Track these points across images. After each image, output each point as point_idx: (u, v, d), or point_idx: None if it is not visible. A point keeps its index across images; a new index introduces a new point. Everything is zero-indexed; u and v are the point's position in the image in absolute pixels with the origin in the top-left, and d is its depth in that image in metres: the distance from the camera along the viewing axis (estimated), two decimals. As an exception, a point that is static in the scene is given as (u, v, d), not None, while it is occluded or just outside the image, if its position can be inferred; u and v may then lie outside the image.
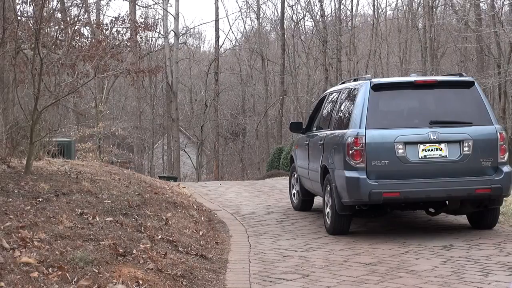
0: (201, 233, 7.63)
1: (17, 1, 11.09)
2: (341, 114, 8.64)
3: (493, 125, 7.89)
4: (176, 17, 32.23)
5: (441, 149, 7.70)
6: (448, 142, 7.71)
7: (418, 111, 8.08)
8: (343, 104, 8.73)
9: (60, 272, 4.67)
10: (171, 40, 32.79)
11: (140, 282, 4.90)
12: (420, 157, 7.67)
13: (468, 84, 8.21)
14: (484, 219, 8.34)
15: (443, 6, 31.71)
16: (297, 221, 9.30)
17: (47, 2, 10.03)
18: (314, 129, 9.88)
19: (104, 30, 19.64)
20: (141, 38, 24.31)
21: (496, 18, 25.95)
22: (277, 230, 8.61)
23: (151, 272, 5.23)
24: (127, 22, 22.10)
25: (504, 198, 8.50)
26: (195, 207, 9.59)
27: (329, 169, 8.29)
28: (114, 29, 19.94)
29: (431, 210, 8.54)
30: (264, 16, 41.60)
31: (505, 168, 7.81)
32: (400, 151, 7.62)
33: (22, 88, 10.48)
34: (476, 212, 8.36)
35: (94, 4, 29.94)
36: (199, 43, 52.29)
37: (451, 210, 8.43)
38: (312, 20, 35.58)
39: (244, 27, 60.10)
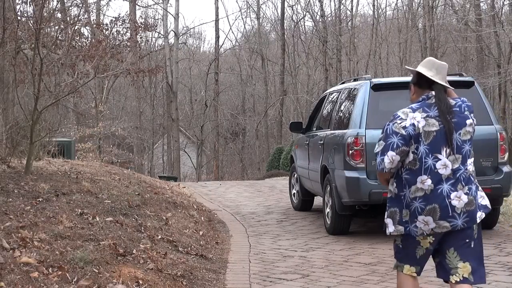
0: (201, 233, 7.63)
1: (17, 1, 11.10)
2: (341, 114, 8.64)
3: (493, 125, 7.89)
4: (176, 17, 32.24)
5: (441, 149, 7.70)
6: (448, 142, 7.70)
7: (418, 111, 8.07)
8: (343, 104, 8.73)
9: (60, 272, 4.67)
10: (171, 40, 32.79)
11: (140, 282, 4.90)
12: (420, 157, 7.66)
13: (468, 84, 8.20)
14: (484, 219, 8.33)
15: (443, 6, 31.73)
16: (297, 221, 9.30)
17: (47, 2, 10.04)
18: (314, 129, 9.88)
19: (104, 30, 19.68)
20: (141, 38, 24.37)
21: (496, 18, 25.97)
22: (277, 230, 8.61)
23: (151, 272, 5.23)
24: (127, 22, 22.15)
25: (504, 198, 8.50)
26: (195, 207, 9.59)
27: (329, 169, 8.29)
28: (114, 29, 20.00)
29: (431, 210, 8.53)
30: (264, 16, 41.68)
31: (505, 168, 7.81)
32: (400, 151, 7.61)
33: (22, 88, 10.48)
34: (476, 212, 8.35)
35: (94, 4, 29.95)
36: (199, 43, 52.39)
37: (451, 210, 8.42)
38: (312, 20, 35.62)
39: (244, 27, 60.23)
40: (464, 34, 27.57)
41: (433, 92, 3.97)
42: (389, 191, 4.04)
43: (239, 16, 67.51)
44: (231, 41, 62.20)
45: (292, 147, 13.75)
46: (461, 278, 3.92)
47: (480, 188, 4.06)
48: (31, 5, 11.14)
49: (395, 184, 4.00)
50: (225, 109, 39.37)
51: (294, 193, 10.67)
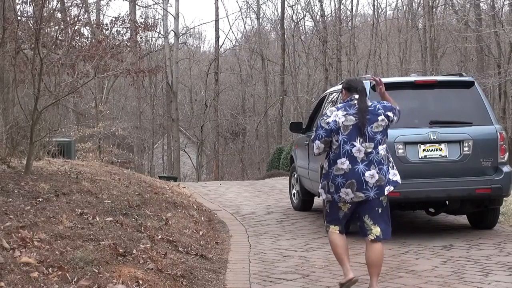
0: (201, 233, 7.63)
1: (17, 1, 11.09)
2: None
3: (493, 125, 7.89)
4: (176, 17, 32.22)
5: (441, 149, 7.70)
6: (448, 142, 7.71)
7: (418, 111, 8.07)
8: (343, 104, 8.73)
9: (60, 272, 4.66)
10: (171, 40, 32.77)
11: (140, 282, 4.90)
12: (420, 157, 7.67)
13: (468, 84, 8.20)
14: (484, 219, 8.34)
15: (443, 6, 31.71)
16: (297, 221, 9.30)
17: (47, 2, 10.03)
18: (314, 129, 9.87)
19: (104, 30, 19.65)
20: (141, 38, 24.31)
21: (496, 18, 25.96)
22: (277, 230, 8.61)
23: (151, 272, 5.23)
24: (127, 22, 22.11)
25: (504, 198, 8.50)
26: (195, 207, 9.59)
27: (329, 169, 8.29)
28: (114, 29, 19.96)
29: (431, 210, 8.54)
30: (264, 16, 41.69)
31: (505, 168, 7.81)
32: (400, 151, 7.62)
33: (22, 88, 10.47)
34: (476, 212, 8.36)
35: (94, 4, 29.94)
36: (199, 43, 52.29)
37: (451, 210, 8.43)
38: (312, 20, 35.62)
39: (244, 27, 60.08)
40: (464, 34, 27.55)
41: (357, 96, 5.29)
42: (324, 169, 5.36)
43: (239, 16, 67.44)
44: (231, 41, 62.21)
45: (292, 147, 13.73)
46: (375, 237, 5.23)
47: (394, 167, 5.32)
48: (31, 5, 11.12)
49: (327, 163, 5.32)
50: (225, 109, 39.33)
51: (294, 193, 10.66)
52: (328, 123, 5.27)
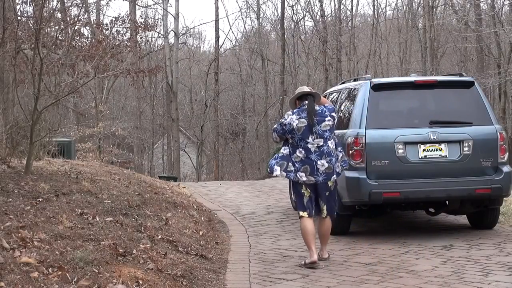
0: (201, 233, 7.63)
1: (17, 1, 11.09)
2: (341, 114, 8.64)
3: (493, 125, 7.89)
4: (176, 17, 32.20)
5: (441, 149, 7.70)
6: (448, 142, 7.71)
7: (418, 111, 8.08)
8: (343, 104, 8.73)
9: (60, 272, 4.67)
10: (171, 40, 32.75)
11: (140, 282, 4.90)
12: (420, 157, 7.66)
13: (468, 84, 8.20)
14: (484, 219, 8.34)
15: (443, 6, 31.70)
16: (297, 221, 9.26)
17: (47, 2, 10.03)
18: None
19: (104, 30, 19.67)
20: (141, 38, 24.33)
21: (496, 18, 25.94)
22: (277, 230, 8.61)
23: (151, 272, 5.23)
24: (127, 22, 22.13)
25: (504, 198, 8.50)
26: (195, 207, 9.59)
27: (329, 169, 8.30)
28: (114, 29, 19.98)
29: (431, 210, 8.53)
30: (264, 16, 41.67)
31: (505, 168, 7.80)
32: (400, 151, 7.62)
33: (22, 88, 10.47)
34: (476, 212, 8.36)
35: (94, 4, 29.93)
36: (199, 43, 52.28)
37: (451, 210, 8.43)
38: (312, 20, 35.58)
39: (244, 27, 60.12)
40: (464, 34, 27.53)
41: (306, 102, 6.53)
42: (281, 153, 6.59)
43: (239, 16, 67.51)
44: (231, 41, 62.14)
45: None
46: (325, 215, 6.60)
47: (339, 160, 6.55)
48: (31, 5, 11.12)
49: (288, 150, 6.56)
50: (225, 109, 39.29)
51: (294, 193, 10.65)
52: (284, 124, 6.54)
